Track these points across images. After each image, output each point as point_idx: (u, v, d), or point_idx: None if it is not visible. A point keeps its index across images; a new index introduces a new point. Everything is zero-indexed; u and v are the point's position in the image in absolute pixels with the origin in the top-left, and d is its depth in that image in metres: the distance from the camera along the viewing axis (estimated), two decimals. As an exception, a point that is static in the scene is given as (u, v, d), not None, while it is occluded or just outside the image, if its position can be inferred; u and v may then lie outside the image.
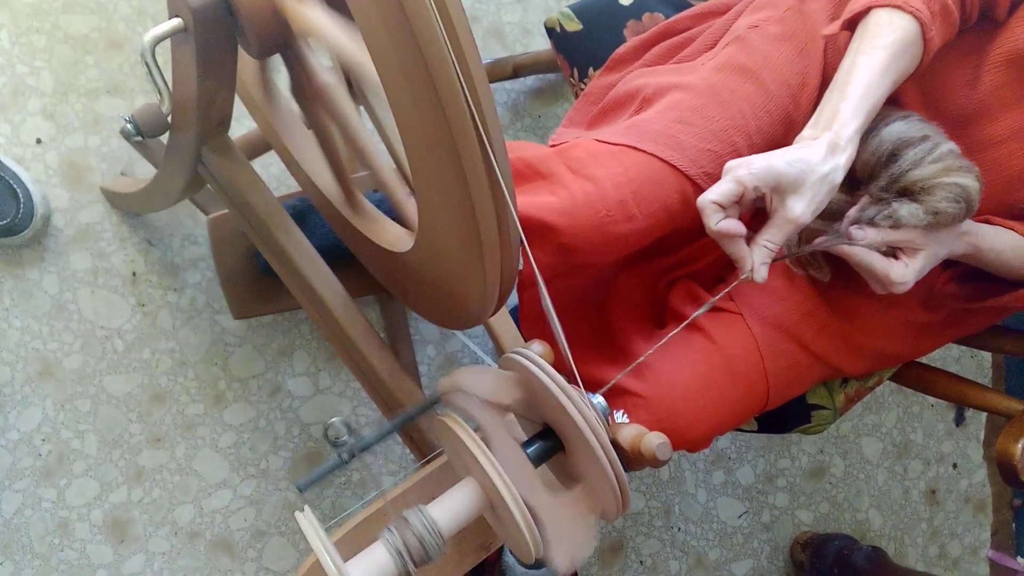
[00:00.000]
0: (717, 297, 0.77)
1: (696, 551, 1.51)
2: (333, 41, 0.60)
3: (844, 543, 1.49)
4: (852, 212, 0.75)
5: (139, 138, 0.78)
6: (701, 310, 0.77)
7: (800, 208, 0.70)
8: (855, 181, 0.77)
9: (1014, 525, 1.75)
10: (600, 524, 1.44)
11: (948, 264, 0.82)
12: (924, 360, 1.00)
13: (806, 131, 0.74)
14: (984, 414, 1.72)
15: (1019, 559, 1.73)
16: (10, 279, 1.16)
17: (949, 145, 0.75)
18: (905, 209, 0.73)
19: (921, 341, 0.90)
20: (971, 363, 1.71)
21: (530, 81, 1.41)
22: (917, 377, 1.02)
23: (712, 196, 0.72)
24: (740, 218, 0.74)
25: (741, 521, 1.54)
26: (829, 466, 1.60)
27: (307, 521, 0.56)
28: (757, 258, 0.72)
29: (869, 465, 1.63)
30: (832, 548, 1.49)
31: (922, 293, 0.86)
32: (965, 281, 0.87)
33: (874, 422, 1.64)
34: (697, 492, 1.51)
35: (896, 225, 0.73)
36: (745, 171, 0.71)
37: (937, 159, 0.73)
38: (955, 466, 1.70)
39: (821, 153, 0.71)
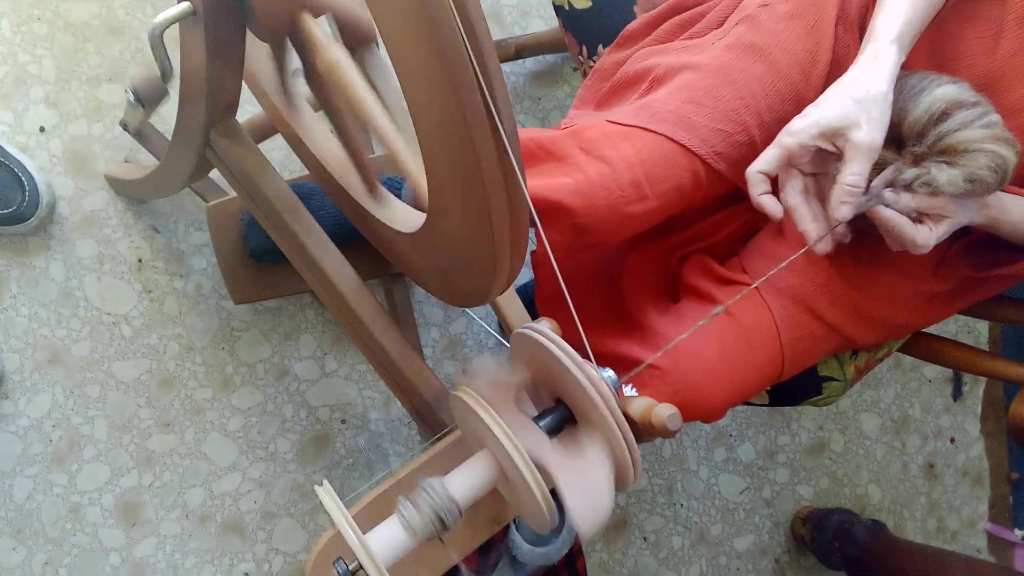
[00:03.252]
0: (781, 266, 0.77)
1: (698, 527, 1.53)
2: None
3: (844, 517, 1.52)
4: (888, 172, 0.75)
5: (141, 108, 0.77)
6: (743, 292, 0.78)
7: (860, 133, 0.70)
8: (901, 139, 0.78)
9: (1011, 498, 1.78)
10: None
11: (960, 233, 0.83)
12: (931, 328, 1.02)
13: (851, 68, 0.75)
14: (981, 389, 1.74)
15: (1016, 531, 1.76)
16: (16, 267, 1.17)
17: (998, 117, 0.75)
18: (944, 176, 0.72)
19: (931, 310, 0.91)
20: (968, 337, 1.73)
21: (529, 64, 1.42)
22: (925, 347, 1.03)
23: (758, 166, 0.73)
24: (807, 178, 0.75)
25: (742, 497, 1.56)
26: (828, 442, 1.63)
27: (326, 493, 0.57)
28: (835, 197, 0.71)
29: (868, 440, 1.65)
30: (832, 522, 1.51)
31: (934, 262, 0.87)
32: (977, 250, 0.88)
33: (872, 398, 1.66)
34: (699, 469, 1.53)
35: (934, 192, 0.73)
36: (785, 135, 0.72)
37: (987, 125, 0.74)
38: (953, 440, 1.72)
39: (858, 77, 0.72)
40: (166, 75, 0.70)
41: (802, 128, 0.72)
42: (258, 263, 1.06)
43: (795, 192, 0.75)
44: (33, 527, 1.20)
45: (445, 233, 0.65)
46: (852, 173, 0.71)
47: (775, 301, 0.85)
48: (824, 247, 0.73)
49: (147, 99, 0.74)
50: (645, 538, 1.50)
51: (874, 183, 0.75)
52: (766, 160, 0.73)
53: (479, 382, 0.62)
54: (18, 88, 1.16)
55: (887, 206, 0.74)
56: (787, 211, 0.75)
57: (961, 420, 1.73)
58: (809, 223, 0.74)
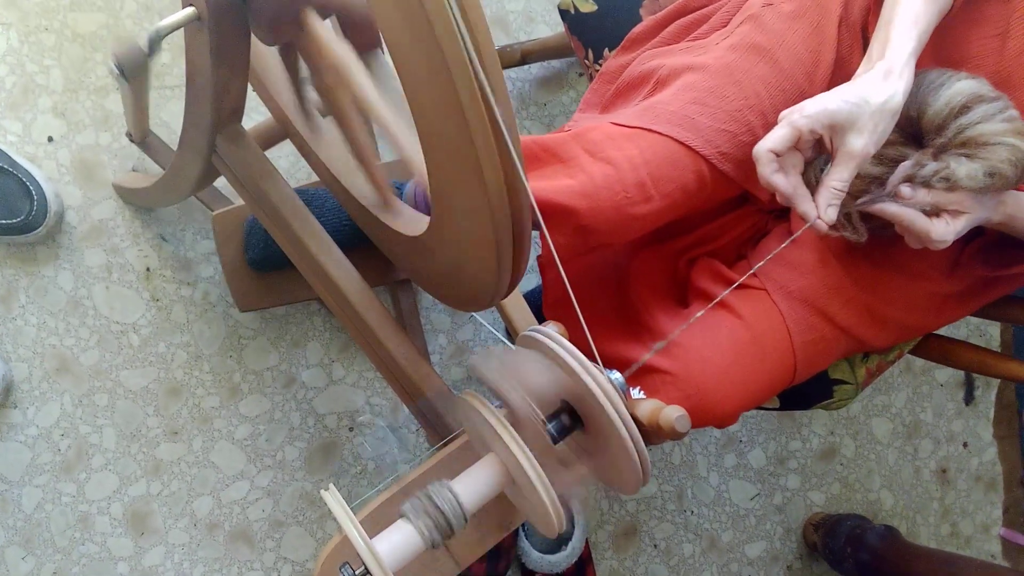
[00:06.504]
0: (767, 259, 0.77)
1: (709, 534, 1.52)
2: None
3: (857, 523, 1.50)
4: (906, 166, 0.74)
5: (125, 81, 0.74)
6: (737, 283, 0.77)
7: (860, 142, 0.70)
8: (919, 134, 0.77)
9: (1025, 502, 1.76)
10: (614, 509, 1.45)
11: (973, 234, 0.83)
12: (942, 332, 1.01)
13: (860, 68, 0.74)
14: (993, 393, 1.73)
15: (1030, 536, 1.74)
16: (25, 276, 1.17)
17: (1017, 112, 0.74)
18: (964, 169, 0.72)
19: (944, 311, 0.90)
20: (979, 340, 1.71)
21: (535, 69, 1.42)
22: (937, 349, 1.02)
23: (767, 144, 0.72)
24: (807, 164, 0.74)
25: (753, 503, 1.55)
26: (840, 447, 1.61)
27: (333, 497, 0.57)
28: (823, 200, 0.71)
29: (880, 445, 1.64)
30: (845, 528, 1.49)
31: (947, 264, 0.86)
32: (991, 250, 0.87)
33: (884, 403, 1.64)
34: (709, 475, 1.52)
35: (952, 188, 0.72)
36: (798, 115, 0.71)
37: (1008, 119, 0.73)
38: (965, 445, 1.70)
39: (876, 83, 0.70)
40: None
41: (816, 113, 0.70)
42: (261, 272, 1.07)
43: (795, 174, 0.73)
44: (42, 536, 1.20)
45: (449, 233, 0.64)
46: (839, 179, 0.71)
47: (786, 304, 0.84)
48: (830, 217, 0.72)
49: (131, 71, 0.71)
50: (655, 545, 1.49)
51: (891, 179, 0.74)
52: (777, 138, 0.72)
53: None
54: (26, 98, 1.17)
55: (903, 200, 0.73)
56: (790, 202, 0.74)
57: (973, 424, 1.71)
58: (809, 204, 0.73)
